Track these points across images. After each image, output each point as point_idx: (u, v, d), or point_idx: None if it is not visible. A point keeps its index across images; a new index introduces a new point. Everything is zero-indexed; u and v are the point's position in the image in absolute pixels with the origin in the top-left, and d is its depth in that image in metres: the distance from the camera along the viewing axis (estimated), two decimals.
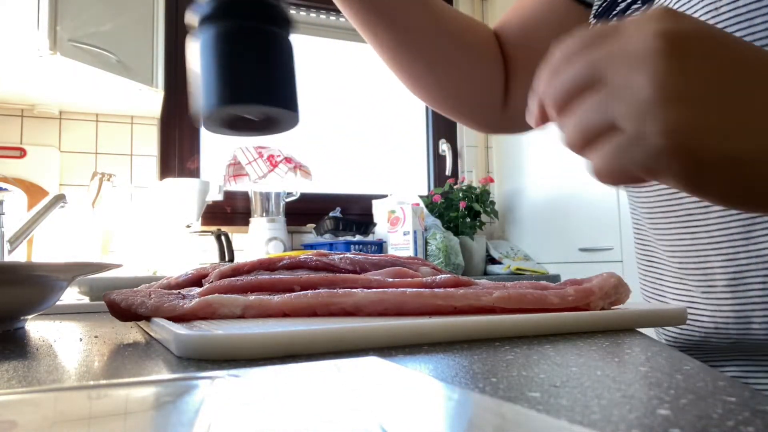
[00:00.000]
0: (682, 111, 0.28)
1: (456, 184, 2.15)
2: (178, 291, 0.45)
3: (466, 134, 2.42)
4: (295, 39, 0.47)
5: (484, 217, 2.19)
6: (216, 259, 1.74)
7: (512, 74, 0.66)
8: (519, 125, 0.66)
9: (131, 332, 0.43)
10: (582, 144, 0.32)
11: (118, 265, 0.53)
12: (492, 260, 2.11)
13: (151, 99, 1.73)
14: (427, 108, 2.49)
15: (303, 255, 0.52)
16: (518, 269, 1.99)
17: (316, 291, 0.41)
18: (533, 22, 0.65)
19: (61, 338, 0.40)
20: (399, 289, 0.41)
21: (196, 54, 0.45)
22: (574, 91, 0.32)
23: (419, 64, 0.60)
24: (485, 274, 2.06)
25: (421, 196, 2.15)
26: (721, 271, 0.49)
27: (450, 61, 0.61)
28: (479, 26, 0.67)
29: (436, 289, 0.42)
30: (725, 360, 0.52)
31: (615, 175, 0.31)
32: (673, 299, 0.54)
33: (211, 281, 0.47)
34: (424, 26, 0.59)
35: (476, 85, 0.65)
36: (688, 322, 0.50)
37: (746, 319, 0.48)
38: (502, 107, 0.67)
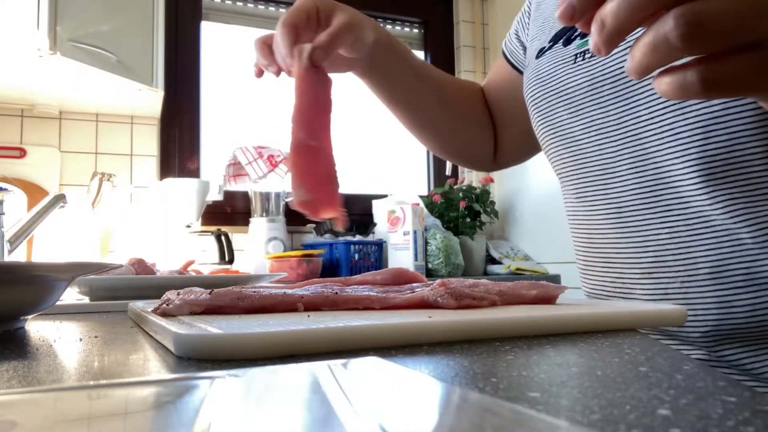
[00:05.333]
0: None
1: (456, 184, 2.15)
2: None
3: None
4: None
5: (484, 217, 2.19)
6: (216, 259, 1.74)
7: (498, 131, 0.86)
8: (510, 164, 0.90)
9: (131, 332, 0.43)
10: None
11: (119, 265, 0.54)
12: (492, 260, 2.11)
13: (151, 99, 1.73)
14: None
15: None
16: (518, 269, 1.99)
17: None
18: (499, 91, 0.85)
19: (61, 338, 0.40)
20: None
21: None
22: None
23: (427, 132, 0.82)
24: (485, 274, 2.06)
25: (421, 196, 2.15)
26: (703, 259, 0.52)
27: (450, 130, 0.83)
28: (470, 91, 0.86)
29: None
30: (692, 347, 0.55)
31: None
32: (643, 294, 0.58)
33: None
34: (429, 105, 0.79)
35: (472, 145, 0.86)
36: None
37: (728, 303, 0.51)
38: (494, 156, 0.88)
